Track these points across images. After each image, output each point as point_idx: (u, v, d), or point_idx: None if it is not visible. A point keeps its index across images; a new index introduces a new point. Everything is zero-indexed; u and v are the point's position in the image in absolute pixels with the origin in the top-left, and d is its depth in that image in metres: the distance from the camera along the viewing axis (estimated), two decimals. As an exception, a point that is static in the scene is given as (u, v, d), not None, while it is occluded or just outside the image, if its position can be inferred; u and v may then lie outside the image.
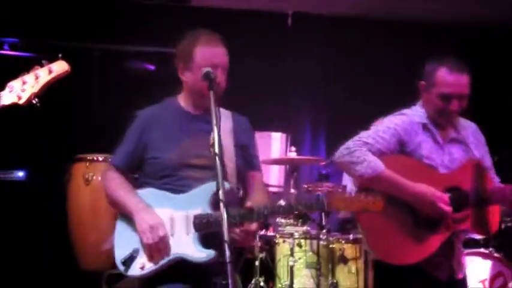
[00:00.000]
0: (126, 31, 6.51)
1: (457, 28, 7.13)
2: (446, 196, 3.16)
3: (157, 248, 2.76)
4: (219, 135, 2.63)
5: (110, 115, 6.30)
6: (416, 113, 3.37)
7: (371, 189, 3.09)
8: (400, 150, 3.30)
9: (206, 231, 2.74)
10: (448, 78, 3.24)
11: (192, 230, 2.77)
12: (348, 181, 5.56)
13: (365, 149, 3.22)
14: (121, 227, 2.92)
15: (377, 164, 3.18)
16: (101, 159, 5.27)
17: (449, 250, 3.24)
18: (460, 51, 6.39)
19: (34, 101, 2.60)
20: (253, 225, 2.82)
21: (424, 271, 3.20)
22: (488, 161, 3.43)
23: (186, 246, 2.76)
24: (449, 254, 3.26)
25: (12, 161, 5.61)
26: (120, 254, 2.85)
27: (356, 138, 3.30)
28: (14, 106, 2.59)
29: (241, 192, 3.09)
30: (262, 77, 6.76)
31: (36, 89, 2.58)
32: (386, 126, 3.32)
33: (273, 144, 6.28)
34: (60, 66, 2.63)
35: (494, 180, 3.39)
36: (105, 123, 6.20)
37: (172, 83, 6.66)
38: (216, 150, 2.59)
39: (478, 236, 3.98)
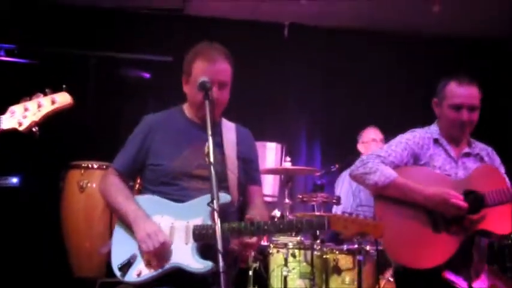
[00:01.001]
0: (122, 39, 6.53)
1: (455, 40, 7.16)
2: (459, 195, 3.22)
3: (157, 254, 2.75)
4: (213, 145, 2.65)
5: (105, 122, 6.31)
6: (428, 131, 3.50)
7: (386, 197, 3.23)
8: (413, 164, 3.41)
9: (205, 242, 2.74)
10: (458, 89, 3.39)
11: (191, 240, 2.77)
12: (341, 193, 5.59)
13: (378, 160, 3.35)
14: (119, 232, 2.91)
15: (390, 172, 3.28)
16: (95, 166, 5.27)
17: (467, 258, 3.29)
18: (458, 62, 6.53)
19: (34, 129, 2.62)
20: (254, 239, 2.82)
21: (443, 277, 3.23)
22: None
23: (184, 255, 2.76)
24: (467, 262, 3.30)
25: (6, 167, 5.59)
26: (117, 260, 2.84)
27: (370, 152, 3.46)
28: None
29: (241, 204, 3.10)
30: (258, 87, 6.78)
31: (37, 117, 2.62)
32: (398, 141, 3.45)
33: (268, 154, 6.29)
34: (63, 98, 2.66)
35: None
36: (100, 130, 6.21)
37: (167, 91, 6.71)
38: (211, 159, 2.61)
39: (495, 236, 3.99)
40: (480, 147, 3.54)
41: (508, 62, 6.98)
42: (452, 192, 3.21)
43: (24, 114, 2.61)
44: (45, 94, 2.64)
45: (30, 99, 2.63)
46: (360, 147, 5.87)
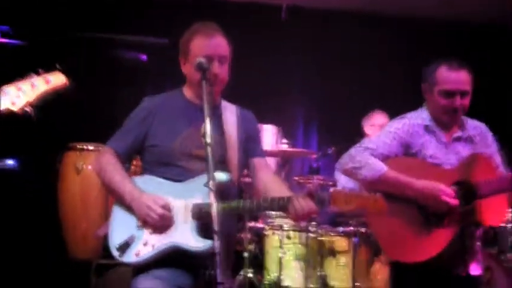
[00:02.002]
0: (118, 21, 6.49)
1: (452, 23, 7.15)
2: (450, 189, 3.17)
3: (162, 221, 2.75)
4: (211, 125, 2.62)
5: (101, 104, 6.30)
6: (419, 116, 3.41)
7: (376, 191, 3.12)
8: (404, 153, 3.34)
9: (205, 220, 2.71)
10: (449, 74, 3.29)
11: (191, 218, 2.76)
12: (339, 176, 5.57)
13: (366, 153, 3.28)
14: (117, 213, 2.90)
15: (379, 166, 3.22)
16: (91, 148, 5.26)
17: (461, 245, 3.25)
18: (454, 46, 6.52)
19: (28, 109, 2.59)
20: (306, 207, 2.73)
21: (440, 268, 3.22)
22: (497, 159, 3.45)
23: (184, 235, 2.75)
24: (463, 248, 3.27)
25: (2, 150, 5.58)
26: (115, 240, 2.83)
27: (358, 145, 3.37)
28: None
29: (241, 183, 3.09)
30: (255, 69, 6.76)
31: (31, 97, 2.58)
32: (387, 131, 3.37)
33: (265, 136, 6.27)
34: (58, 78, 2.64)
35: None
36: (97, 112, 6.20)
37: (164, 74, 6.69)
38: (208, 139, 2.59)
39: (489, 226, 3.98)
40: (472, 126, 3.45)
41: (506, 48, 6.96)
42: (442, 187, 3.15)
43: (17, 94, 2.57)
44: (38, 75, 2.61)
45: (22, 80, 2.61)
46: (368, 129, 5.80)
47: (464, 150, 3.36)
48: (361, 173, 3.24)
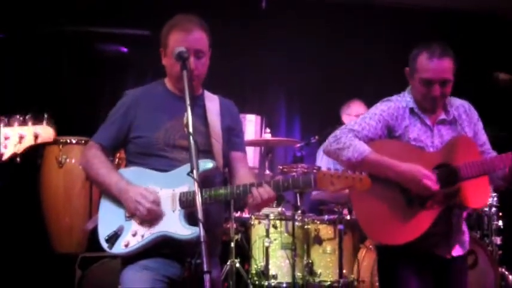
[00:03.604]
0: (99, 13, 6.44)
1: (445, 12, 7.17)
2: (432, 174, 3.17)
3: (151, 214, 2.76)
4: (193, 115, 2.64)
5: (82, 97, 6.26)
6: (403, 99, 3.39)
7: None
8: (388, 136, 3.33)
9: (192, 208, 2.71)
10: (428, 63, 3.25)
11: (178, 207, 2.78)
12: (322, 163, 5.60)
13: (351, 135, 3.27)
14: (105, 205, 2.91)
15: (362, 148, 3.21)
16: (74, 141, 5.23)
17: (445, 227, 3.27)
18: (447, 34, 6.53)
19: (16, 159, 2.56)
20: (266, 194, 2.76)
21: (423, 250, 3.23)
22: (482, 137, 3.45)
23: (172, 223, 2.76)
24: (447, 231, 3.28)
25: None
26: (104, 232, 2.84)
27: (343, 126, 3.36)
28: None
29: (226, 172, 3.10)
30: (237, 60, 6.75)
31: (19, 150, 2.55)
32: (373, 113, 3.35)
33: (248, 126, 6.28)
34: (46, 133, 2.60)
35: (491, 155, 3.41)
36: (78, 105, 6.16)
37: (146, 66, 6.65)
38: (190, 129, 2.60)
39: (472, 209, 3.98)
40: (456, 105, 3.43)
41: (499, 36, 7.00)
42: (423, 171, 3.14)
43: (4, 143, 2.53)
44: (24, 120, 2.58)
45: (8, 122, 2.55)
46: (345, 119, 5.83)
47: (448, 133, 3.36)
48: (345, 154, 3.23)
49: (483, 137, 3.46)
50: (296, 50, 7.11)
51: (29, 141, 2.57)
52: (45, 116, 2.62)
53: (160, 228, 2.77)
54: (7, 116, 2.56)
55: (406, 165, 3.18)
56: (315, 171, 3.05)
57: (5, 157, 2.54)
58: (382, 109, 3.35)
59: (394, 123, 3.32)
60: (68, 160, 5.16)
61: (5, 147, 2.53)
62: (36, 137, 2.58)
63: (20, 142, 2.55)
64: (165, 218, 2.78)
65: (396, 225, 3.22)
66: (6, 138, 2.54)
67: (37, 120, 2.60)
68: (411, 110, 3.35)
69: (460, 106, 3.44)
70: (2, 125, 2.53)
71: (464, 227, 3.45)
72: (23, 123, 2.57)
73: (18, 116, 2.57)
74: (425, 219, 3.18)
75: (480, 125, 3.46)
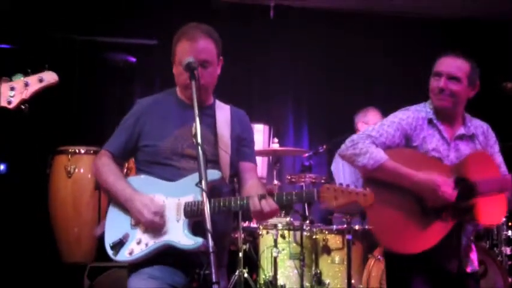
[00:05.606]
0: (108, 23, 6.47)
1: (449, 20, 7.18)
2: (450, 180, 3.16)
3: (155, 223, 2.76)
4: (201, 125, 2.65)
5: (91, 107, 6.28)
6: (422, 109, 3.39)
7: (375, 179, 3.14)
8: (405, 145, 3.32)
9: (197, 219, 2.73)
10: (442, 59, 3.32)
11: (183, 217, 2.77)
12: (344, 171, 5.48)
13: (368, 141, 3.25)
14: (113, 212, 2.93)
15: (379, 155, 3.20)
16: (83, 151, 5.25)
17: (456, 242, 3.25)
18: (453, 43, 6.52)
19: (23, 107, 2.62)
20: (268, 207, 2.73)
21: (434, 261, 3.21)
22: (498, 159, 3.44)
23: (175, 233, 2.76)
24: (457, 246, 3.26)
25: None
26: (110, 239, 2.86)
27: (361, 132, 3.36)
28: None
29: (235, 182, 3.09)
30: (245, 69, 6.75)
31: (26, 95, 2.61)
32: (391, 121, 3.34)
33: (256, 136, 6.25)
34: (50, 77, 2.66)
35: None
36: (87, 115, 6.18)
37: (153, 75, 6.66)
38: (198, 139, 2.61)
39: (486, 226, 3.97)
40: (476, 125, 3.43)
41: (505, 44, 6.98)
42: (441, 180, 3.14)
43: (11, 93, 2.60)
44: (27, 74, 2.63)
45: (10, 80, 2.62)
46: (361, 126, 5.74)
47: (465, 149, 3.35)
48: (361, 161, 3.22)
49: (499, 159, 3.44)
50: (303, 59, 7.13)
51: (34, 86, 2.62)
52: (46, 66, 2.67)
53: (164, 238, 2.77)
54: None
55: (423, 174, 3.17)
56: (322, 181, 3.03)
57: (13, 104, 2.61)
58: (401, 118, 3.34)
59: (412, 133, 3.31)
60: (76, 170, 5.18)
61: (12, 96, 2.60)
62: (40, 80, 2.63)
63: (26, 88, 2.61)
64: (169, 227, 2.78)
65: (410, 234, 3.20)
66: (12, 89, 2.61)
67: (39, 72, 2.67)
68: (430, 121, 3.34)
69: (479, 126, 3.43)
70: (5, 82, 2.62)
71: (473, 245, 3.42)
72: (26, 75, 2.65)
73: (19, 74, 2.65)
74: (439, 230, 3.17)
75: (496, 147, 3.45)
